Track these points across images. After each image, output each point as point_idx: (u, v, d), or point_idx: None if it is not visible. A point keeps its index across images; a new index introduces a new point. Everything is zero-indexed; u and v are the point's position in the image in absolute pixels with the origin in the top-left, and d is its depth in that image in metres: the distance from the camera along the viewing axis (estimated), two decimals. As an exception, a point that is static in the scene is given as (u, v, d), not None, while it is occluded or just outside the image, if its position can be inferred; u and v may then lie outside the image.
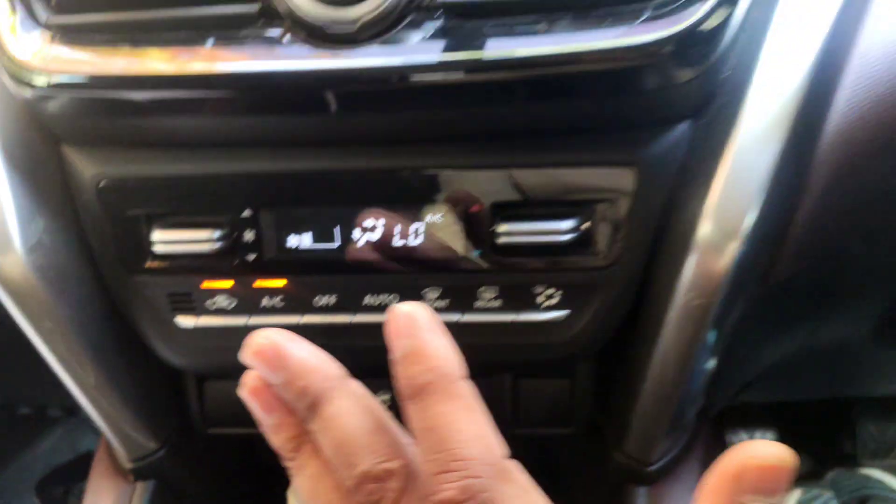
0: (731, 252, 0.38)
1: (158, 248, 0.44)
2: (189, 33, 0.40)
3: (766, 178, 0.38)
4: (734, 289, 0.40)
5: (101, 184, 0.44)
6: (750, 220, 0.38)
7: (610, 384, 0.51)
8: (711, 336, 0.42)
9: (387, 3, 0.38)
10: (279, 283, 0.45)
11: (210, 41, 0.40)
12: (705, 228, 0.39)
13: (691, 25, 0.37)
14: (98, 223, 0.45)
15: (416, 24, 0.39)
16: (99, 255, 0.46)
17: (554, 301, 0.44)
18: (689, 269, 0.40)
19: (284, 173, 0.43)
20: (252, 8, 0.40)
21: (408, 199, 0.43)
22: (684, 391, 0.45)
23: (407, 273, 0.44)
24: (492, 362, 0.48)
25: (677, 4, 0.38)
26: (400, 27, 0.39)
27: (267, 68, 0.39)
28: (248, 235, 0.44)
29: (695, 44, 0.38)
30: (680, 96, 0.40)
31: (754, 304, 0.46)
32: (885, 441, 1.00)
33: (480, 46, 0.38)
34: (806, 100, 0.39)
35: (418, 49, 0.39)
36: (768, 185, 0.38)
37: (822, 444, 1.00)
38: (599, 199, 0.42)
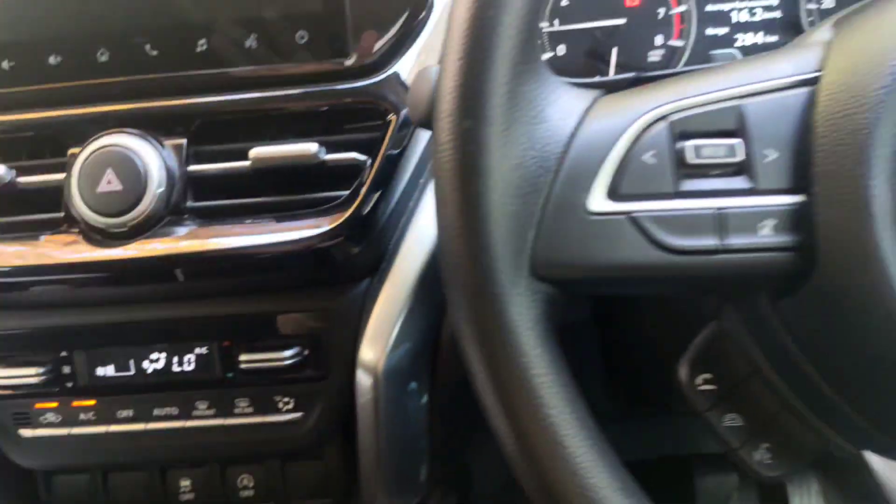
0: (380, 366, 0.57)
1: (2, 381, 0.62)
2: (20, 234, 0.59)
3: (400, 317, 0.57)
4: (393, 390, 0.58)
5: (-40, 337, 0.62)
6: (389, 347, 0.57)
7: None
8: (391, 421, 0.60)
9: (147, 213, 0.57)
10: (91, 402, 0.62)
11: (42, 237, 0.59)
12: (365, 351, 0.58)
13: (350, 217, 0.57)
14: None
15: (172, 224, 0.58)
16: (-40, 387, 0.63)
17: (290, 406, 0.62)
18: (360, 378, 0.58)
19: (88, 324, 0.61)
20: (59, 216, 0.58)
21: (179, 338, 0.61)
22: (390, 464, 0.62)
23: (183, 391, 0.62)
24: (257, 452, 0.65)
25: (340, 202, 0.57)
26: (160, 226, 0.58)
27: (69, 259, 0.57)
28: (66, 369, 0.61)
29: (354, 229, 0.57)
30: (355, 264, 0.60)
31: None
32: (721, 493, 1.16)
33: (218, 236, 0.58)
34: (435, 264, 0.59)
35: (175, 241, 0.57)
36: (402, 322, 0.57)
37: (668, 498, 1.16)
38: (312, 334, 0.60)
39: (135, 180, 0.56)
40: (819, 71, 0.36)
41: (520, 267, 0.34)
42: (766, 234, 0.35)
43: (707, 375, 0.42)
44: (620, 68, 0.79)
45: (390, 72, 0.58)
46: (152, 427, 0.62)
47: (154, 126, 0.58)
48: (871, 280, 0.33)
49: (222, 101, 0.59)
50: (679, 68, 0.79)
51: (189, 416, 0.62)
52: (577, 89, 0.38)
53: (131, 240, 0.57)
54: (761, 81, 0.36)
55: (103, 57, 0.59)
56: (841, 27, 0.38)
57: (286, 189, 0.59)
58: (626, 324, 0.73)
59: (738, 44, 0.79)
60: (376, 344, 0.57)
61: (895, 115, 0.33)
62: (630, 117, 0.36)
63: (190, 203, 0.58)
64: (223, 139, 0.59)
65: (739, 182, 0.36)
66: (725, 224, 0.35)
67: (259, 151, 0.57)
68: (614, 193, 0.35)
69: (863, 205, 0.33)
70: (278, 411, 0.62)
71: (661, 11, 0.79)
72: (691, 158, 0.35)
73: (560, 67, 0.79)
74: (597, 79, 0.66)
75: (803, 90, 0.36)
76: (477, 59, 0.33)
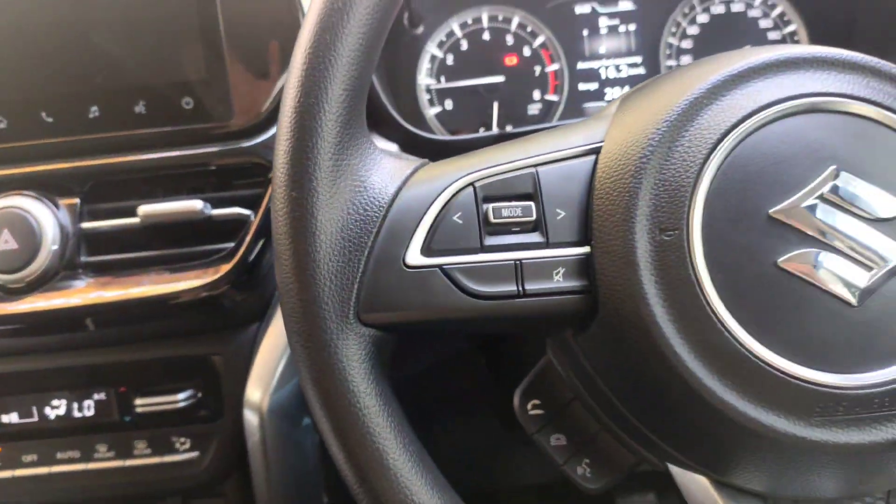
0: (265, 406, 0.62)
1: None
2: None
3: (283, 358, 0.62)
4: (281, 427, 0.63)
5: None
6: (273, 387, 0.62)
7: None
8: (282, 456, 0.64)
9: (42, 269, 0.61)
10: (-5, 449, 0.66)
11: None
12: (251, 392, 0.62)
13: (234, 267, 0.62)
14: None
15: (67, 278, 0.62)
16: None
17: (187, 446, 0.66)
18: (248, 417, 0.63)
19: (-10, 375, 0.64)
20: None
21: (78, 385, 0.65)
22: (285, 497, 0.67)
23: (84, 434, 0.65)
24: (158, 491, 0.69)
25: (226, 253, 0.62)
26: (56, 280, 0.62)
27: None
28: (-31, 418, 0.65)
29: (240, 278, 0.62)
30: (243, 310, 0.64)
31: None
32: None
33: (111, 288, 0.62)
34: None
35: (70, 294, 0.61)
36: (285, 362, 0.62)
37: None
38: (204, 377, 0.65)
39: (29, 239, 0.60)
40: (601, 142, 0.43)
41: (346, 314, 0.40)
42: (558, 281, 0.41)
43: (536, 401, 0.48)
44: (502, 120, 0.86)
45: (271, 132, 0.64)
46: (56, 470, 0.66)
47: (50, 187, 0.63)
48: (637, 317, 0.39)
49: (113, 163, 0.63)
50: (555, 121, 0.87)
51: (91, 459, 0.66)
52: (399, 159, 0.44)
53: (28, 294, 0.61)
54: (554, 151, 0.43)
55: (2, 124, 0.63)
56: (624, 102, 0.45)
57: (179, 242, 0.64)
58: (503, 354, 0.79)
59: (607, 97, 0.88)
60: (261, 384, 0.62)
61: (651, 181, 0.40)
62: (443, 184, 0.42)
63: (84, 258, 0.63)
64: (117, 197, 0.64)
65: (535, 237, 0.42)
66: (523, 273, 0.41)
67: (147, 209, 0.61)
68: (428, 249, 0.41)
69: (628, 254, 0.39)
70: (175, 451, 0.66)
71: (538, 69, 0.87)
72: (493, 218, 0.41)
73: (448, 120, 0.86)
74: (461, 136, 0.73)
75: (589, 158, 0.43)
76: (301, 139, 0.39)
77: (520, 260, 0.41)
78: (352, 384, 0.40)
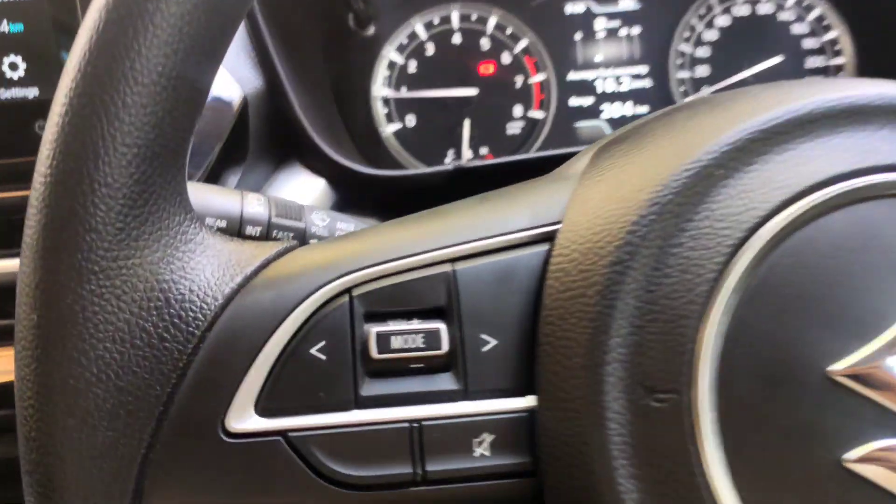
0: None
1: None
2: None
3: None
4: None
5: None
6: None
7: None
8: None
9: None
10: None
11: None
12: None
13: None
14: None
15: None
16: None
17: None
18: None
19: None
20: None
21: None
22: None
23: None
24: None
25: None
26: None
27: None
28: None
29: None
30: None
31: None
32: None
33: None
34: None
35: None
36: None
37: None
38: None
39: None
40: (559, 222, 0.27)
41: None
42: (482, 455, 0.25)
43: None
44: (476, 141, 0.71)
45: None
46: None
47: None
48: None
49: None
50: (539, 144, 0.71)
51: None
52: (241, 245, 0.28)
53: None
54: (483, 238, 0.27)
55: None
56: (598, 158, 0.29)
57: None
58: None
59: (604, 115, 0.71)
60: None
61: (632, 304, 0.24)
62: (300, 292, 0.26)
63: None
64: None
65: (445, 382, 0.26)
66: (423, 443, 0.25)
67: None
68: (265, 407, 0.25)
69: (591, 424, 0.24)
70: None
71: (519, 80, 0.70)
72: (377, 352, 0.26)
73: (409, 140, 0.70)
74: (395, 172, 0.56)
75: (540, 249, 0.27)
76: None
77: (419, 421, 0.26)
78: None
